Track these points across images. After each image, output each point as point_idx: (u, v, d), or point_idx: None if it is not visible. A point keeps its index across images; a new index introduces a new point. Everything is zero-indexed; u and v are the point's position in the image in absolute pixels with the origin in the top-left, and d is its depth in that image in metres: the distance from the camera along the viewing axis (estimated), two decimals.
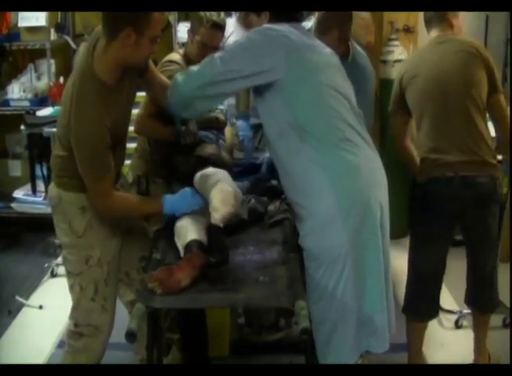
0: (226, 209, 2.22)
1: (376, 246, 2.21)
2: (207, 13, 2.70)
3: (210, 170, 2.44)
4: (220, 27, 2.75)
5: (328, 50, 2.37)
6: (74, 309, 2.49)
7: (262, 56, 2.16)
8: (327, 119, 2.19)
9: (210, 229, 2.22)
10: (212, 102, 2.43)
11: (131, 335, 1.88)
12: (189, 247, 2.24)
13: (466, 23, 3.50)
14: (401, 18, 4.40)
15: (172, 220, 2.38)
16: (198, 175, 2.43)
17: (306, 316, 1.93)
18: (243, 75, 2.16)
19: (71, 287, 2.47)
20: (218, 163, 2.57)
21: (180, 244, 2.29)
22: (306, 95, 2.17)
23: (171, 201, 2.34)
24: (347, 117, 2.21)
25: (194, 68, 2.30)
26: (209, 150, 2.68)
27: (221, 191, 2.28)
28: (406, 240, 4.62)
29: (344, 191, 2.17)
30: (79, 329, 2.48)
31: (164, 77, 2.54)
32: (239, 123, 2.68)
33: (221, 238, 2.17)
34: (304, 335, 1.90)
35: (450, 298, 3.71)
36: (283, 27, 2.23)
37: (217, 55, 2.22)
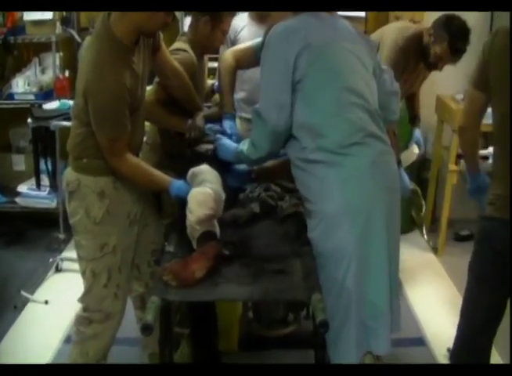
0: (202, 211, 2.21)
1: (382, 248, 2.17)
2: None
3: (199, 168, 2.43)
4: None
5: (353, 36, 2.32)
6: (86, 293, 2.48)
7: (287, 74, 2.14)
8: (341, 124, 2.17)
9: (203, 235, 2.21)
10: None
11: (147, 328, 1.85)
12: (202, 238, 2.23)
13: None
14: (407, 12, 4.38)
15: (183, 213, 2.36)
16: (190, 171, 2.43)
17: (323, 309, 1.91)
18: (288, 101, 2.16)
19: (83, 273, 2.46)
20: (213, 159, 2.54)
21: (193, 236, 2.27)
22: (324, 98, 2.16)
23: (180, 183, 2.34)
24: (361, 121, 2.19)
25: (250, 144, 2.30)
26: (208, 145, 2.66)
27: (200, 193, 2.27)
28: (410, 235, 4.67)
29: (353, 194, 2.15)
30: (88, 314, 2.47)
31: (175, 62, 2.57)
32: (226, 122, 2.67)
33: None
34: (322, 328, 1.88)
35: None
36: (302, 22, 2.19)
37: (260, 109, 2.20)
